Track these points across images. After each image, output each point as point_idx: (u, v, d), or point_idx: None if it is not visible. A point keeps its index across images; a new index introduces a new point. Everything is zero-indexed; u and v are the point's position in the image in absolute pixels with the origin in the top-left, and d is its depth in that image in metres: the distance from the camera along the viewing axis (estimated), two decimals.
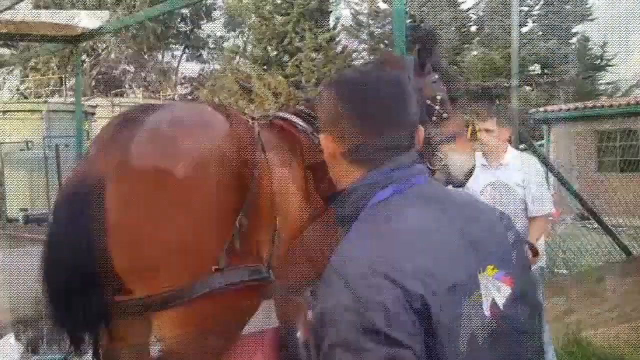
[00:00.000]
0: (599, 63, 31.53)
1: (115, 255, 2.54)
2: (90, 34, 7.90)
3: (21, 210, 16.24)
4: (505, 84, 30.38)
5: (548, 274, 7.29)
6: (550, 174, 7.77)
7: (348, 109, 1.64)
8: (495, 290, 1.48)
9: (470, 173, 3.75)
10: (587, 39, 32.00)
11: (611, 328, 6.36)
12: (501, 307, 1.49)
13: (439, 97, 3.57)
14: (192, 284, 2.65)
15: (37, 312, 7.02)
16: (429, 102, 3.56)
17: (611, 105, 19.96)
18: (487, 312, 1.47)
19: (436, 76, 3.62)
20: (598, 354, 5.83)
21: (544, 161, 6.45)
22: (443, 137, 3.60)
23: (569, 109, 20.57)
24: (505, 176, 4.64)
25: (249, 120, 3.15)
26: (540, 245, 4.70)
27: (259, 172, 2.86)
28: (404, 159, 1.62)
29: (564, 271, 7.35)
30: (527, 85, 31.76)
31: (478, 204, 1.73)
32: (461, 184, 3.77)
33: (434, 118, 3.56)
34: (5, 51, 10.24)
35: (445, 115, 3.58)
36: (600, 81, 31.87)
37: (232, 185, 2.76)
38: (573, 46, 32.10)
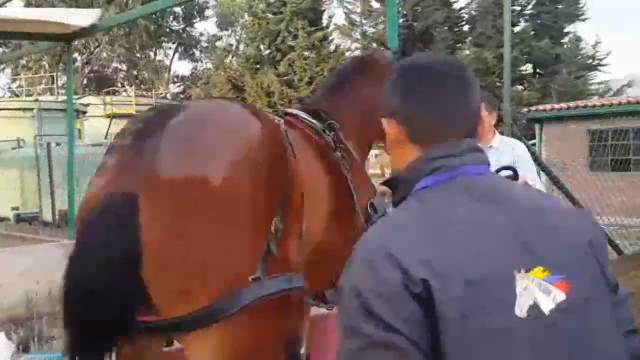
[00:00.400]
0: (590, 63, 31.64)
1: (152, 273, 2.35)
2: (82, 32, 7.87)
3: (12, 209, 16.18)
4: (498, 83, 30.52)
5: None
6: (542, 173, 7.80)
7: (413, 93, 1.64)
8: (541, 292, 1.40)
9: None
10: (579, 39, 32.14)
11: None
12: (545, 311, 1.40)
13: None
14: (231, 297, 2.46)
15: (28, 311, 7.02)
16: None
17: (602, 105, 20.04)
18: (520, 314, 1.39)
19: None
20: None
21: (536, 160, 6.46)
22: None
23: (560, 108, 20.64)
24: (495, 159, 4.69)
25: (275, 118, 3.02)
26: None
27: (291, 174, 2.75)
28: (458, 145, 1.60)
29: None
30: (519, 84, 31.87)
31: (553, 207, 1.62)
32: None
33: None
34: None
35: None
36: (592, 81, 31.99)
37: (268, 189, 2.61)
38: (565, 46, 32.18)
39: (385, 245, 1.42)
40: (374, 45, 33.61)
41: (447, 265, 1.37)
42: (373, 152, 4.38)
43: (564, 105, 21.02)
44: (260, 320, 2.54)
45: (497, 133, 4.96)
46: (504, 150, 4.81)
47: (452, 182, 1.55)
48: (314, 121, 3.33)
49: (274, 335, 2.78)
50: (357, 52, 36.44)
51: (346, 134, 3.43)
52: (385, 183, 1.81)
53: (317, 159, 3.15)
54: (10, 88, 46.01)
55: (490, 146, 4.81)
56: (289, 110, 3.44)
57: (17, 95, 37.09)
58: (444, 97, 1.62)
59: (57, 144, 14.79)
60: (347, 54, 34.51)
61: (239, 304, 2.46)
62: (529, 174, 4.79)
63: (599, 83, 32.21)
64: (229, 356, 2.51)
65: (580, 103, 20.92)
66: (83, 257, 2.39)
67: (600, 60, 31.44)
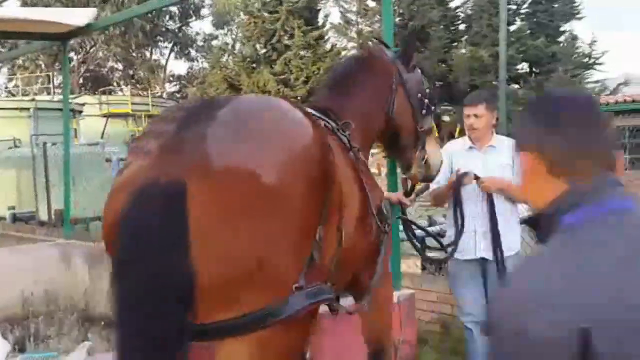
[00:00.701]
0: (587, 61, 31.66)
1: (201, 271, 2.16)
2: (77, 32, 7.87)
3: (9, 208, 16.16)
4: (494, 82, 30.53)
5: None
6: None
7: (556, 126, 1.62)
8: None
9: (440, 168, 3.98)
10: (575, 37, 32.16)
11: None
12: None
13: (427, 91, 3.70)
14: (281, 303, 2.32)
15: (24, 311, 7.02)
16: (419, 95, 3.63)
17: (600, 104, 20.11)
18: None
19: (419, 71, 3.75)
20: None
21: None
22: (426, 131, 3.75)
23: None
24: (494, 157, 4.83)
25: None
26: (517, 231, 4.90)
27: (335, 176, 2.61)
28: (603, 179, 1.57)
29: None
30: (515, 83, 31.88)
31: None
32: (432, 179, 4.01)
33: (424, 111, 3.64)
34: None
35: (432, 109, 3.71)
36: (588, 79, 31.99)
37: (318, 192, 2.45)
38: (561, 44, 32.19)
39: (538, 289, 1.40)
40: (370, 44, 33.60)
41: (607, 310, 1.33)
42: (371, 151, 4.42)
43: None
44: (292, 330, 2.42)
45: (494, 133, 4.98)
46: (502, 149, 4.85)
47: (603, 218, 1.51)
48: (329, 121, 3.25)
49: (301, 345, 2.66)
50: (354, 51, 36.47)
51: (352, 134, 3.36)
52: (528, 221, 1.77)
53: (345, 162, 3.04)
54: (6, 88, 45.97)
55: (490, 145, 4.87)
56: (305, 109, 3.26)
57: (13, 95, 37.05)
58: (587, 130, 1.60)
59: (54, 144, 14.77)
60: (343, 53, 34.49)
61: (287, 311, 2.34)
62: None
63: (595, 82, 32.21)
64: None
65: None
66: (130, 244, 2.20)
67: (597, 59, 31.46)
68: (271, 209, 2.27)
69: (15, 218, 15.37)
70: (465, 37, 32.37)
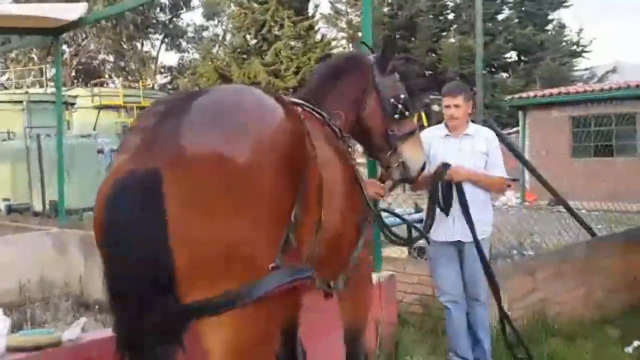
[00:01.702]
0: (574, 49, 31.91)
1: (179, 253, 2.29)
2: (69, 26, 8.01)
3: (3, 200, 16.29)
4: (483, 71, 30.76)
5: (517, 255, 7.59)
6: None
7: None
8: None
9: (423, 169, 4.04)
10: (563, 26, 32.39)
11: (577, 307, 6.65)
12: None
13: (402, 97, 3.76)
14: (256, 283, 2.44)
15: (21, 297, 7.23)
16: (393, 100, 3.74)
17: (585, 91, 20.27)
18: None
19: (397, 76, 3.82)
20: (562, 329, 6.12)
21: (510, 147, 6.71)
22: (401, 134, 3.81)
23: (543, 95, 20.86)
24: (470, 145, 5.09)
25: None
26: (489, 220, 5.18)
27: (310, 161, 2.74)
28: None
29: (532, 253, 7.63)
30: (503, 72, 32.14)
31: None
32: (413, 180, 4.05)
33: (397, 116, 3.75)
34: None
35: (407, 113, 3.78)
36: (577, 67, 32.24)
37: (291, 176, 2.56)
38: (549, 33, 32.41)
39: None
40: (360, 34, 33.71)
41: None
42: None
43: (546, 92, 21.24)
44: (270, 308, 2.53)
45: (469, 122, 5.22)
46: (478, 138, 5.12)
47: None
48: (320, 111, 3.44)
49: (278, 323, 2.78)
50: (344, 42, 36.58)
51: (341, 125, 3.56)
52: None
53: (330, 149, 3.17)
54: None
55: (466, 134, 5.11)
56: (293, 99, 3.38)
57: (6, 88, 36.98)
58: None
59: (47, 136, 14.88)
60: (333, 43, 34.62)
61: (262, 290, 2.44)
62: (496, 157, 5.12)
63: (584, 69, 32.49)
64: (241, 342, 2.50)
65: (563, 90, 21.12)
66: (115, 237, 2.34)
67: (584, 47, 31.73)
68: (242, 194, 2.39)
69: (10, 209, 15.50)
70: (454, 26, 32.57)
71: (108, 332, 3.48)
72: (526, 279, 6.13)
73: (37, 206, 14.98)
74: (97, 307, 6.62)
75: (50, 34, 7.98)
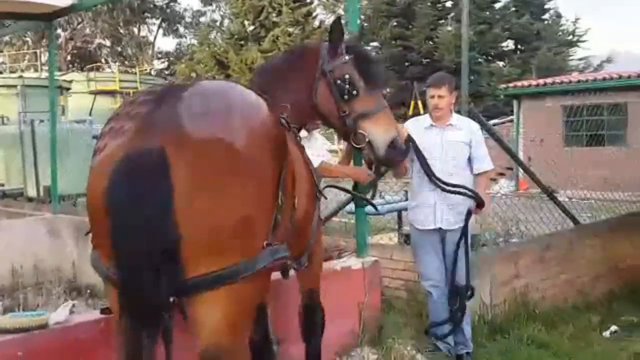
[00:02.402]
0: (570, 39, 31.94)
1: (185, 228, 2.44)
2: (62, 12, 8.05)
3: None
4: (479, 59, 30.78)
5: (502, 243, 7.70)
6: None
7: None
8: None
9: (393, 145, 3.94)
10: (559, 15, 32.42)
11: (559, 293, 6.78)
12: None
13: (347, 77, 3.79)
14: (256, 258, 2.65)
15: (14, 282, 7.32)
16: (339, 82, 3.79)
17: (578, 81, 20.34)
18: None
19: (346, 57, 3.84)
20: (543, 314, 6.25)
21: (494, 138, 6.80)
22: (357, 114, 3.85)
23: (537, 85, 20.93)
24: (453, 135, 5.20)
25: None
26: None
27: (288, 150, 2.97)
28: None
29: (517, 240, 7.72)
30: (499, 60, 32.18)
31: None
32: (385, 159, 4.03)
33: (345, 96, 3.80)
34: None
35: (354, 93, 3.80)
36: (573, 57, 32.31)
37: (278, 160, 2.79)
38: (546, 22, 32.42)
39: None
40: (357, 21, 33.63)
41: None
42: None
43: (540, 81, 21.31)
44: (258, 283, 2.74)
45: (453, 112, 5.33)
46: (461, 128, 5.23)
47: None
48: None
49: (260, 297, 3.01)
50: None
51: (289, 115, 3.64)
52: None
53: (291, 139, 3.37)
54: None
55: (450, 124, 5.21)
56: None
57: (0, 72, 36.92)
58: None
59: (41, 121, 14.87)
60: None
61: (260, 265, 2.66)
62: (480, 150, 5.25)
63: (579, 59, 32.56)
64: (232, 315, 2.64)
65: (557, 79, 21.21)
66: (122, 216, 2.43)
67: (580, 36, 31.76)
68: (244, 174, 2.58)
69: (4, 195, 15.53)
70: (452, 14, 32.53)
71: (95, 315, 3.63)
72: (509, 265, 6.25)
73: (31, 191, 15.00)
74: (88, 291, 6.73)
75: (43, 19, 7.99)
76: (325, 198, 3.82)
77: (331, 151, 4.79)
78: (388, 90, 31.45)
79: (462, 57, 6.52)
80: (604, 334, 6.14)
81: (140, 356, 2.63)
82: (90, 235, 2.84)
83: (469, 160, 5.21)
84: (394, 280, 6.41)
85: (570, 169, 14.07)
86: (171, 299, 2.55)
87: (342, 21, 3.96)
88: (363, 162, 4.62)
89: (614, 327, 6.24)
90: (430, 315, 5.33)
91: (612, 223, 8.16)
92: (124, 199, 2.43)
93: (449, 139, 5.14)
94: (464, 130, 5.21)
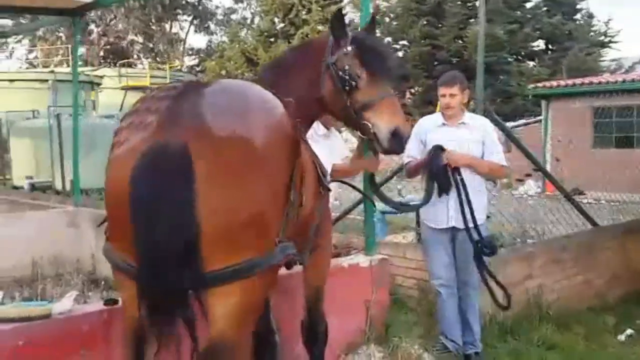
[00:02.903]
0: (602, 39, 31.49)
1: (206, 221, 2.51)
2: (87, 7, 8.14)
3: (26, 178, 16.59)
4: (509, 59, 30.51)
5: (517, 241, 7.63)
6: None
7: None
8: None
9: (395, 134, 3.75)
10: (591, 15, 31.98)
11: (574, 295, 6.70)
12: None
13: (346, 68, 3.72)
14: (272, 253, 2.76)
15: (34, 273, 7.44)
16: (340, 73, 3.73)
17: (608, 82, 20.05)
18: None
19: (349, 48, 3.75)
20: (557, 316, 6.18)
21: (510, 137, 6.74)
22: (360, 105, 3.74)
23: (566, 85, 20.67)
24: (466, 133, 5.17)
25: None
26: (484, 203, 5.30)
27: (301, 148, 3.06)
28: None
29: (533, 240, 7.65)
30: (530, 60, 31.85)
31: None
32: (388, 150, 3.85)
33: (347, 87, 3.72)
34: (7, 22, 10.36)
35: (354, 83, 3.71)
36: (604, 58, 31.85)
37: (291, 159, 2.88)
38: (577, 22, 32.01)
39: None
40: (387, 20, 33.57)
41: None
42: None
43: (569, 82, 21.05)
44: (268, 278, 2.84)
45: (466, 111, 5.31)
46: (474, 126, 5.20)
47: None
48: None
49: (267, 293, 3.10)
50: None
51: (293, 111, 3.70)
52: None
53: (303, 140, 3.46)
54: (27, 59, 46.48)
55: (462, 122, 5.19)
56: None
57: (34, 66, 37.46)
58: None
59: (70, 115, 15.08)
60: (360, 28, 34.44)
61: (273, 261, 2.77)
62: (493, 145, 5.18)
63: (611, 60, 32.11)
64: (242, 309, 2.73)
65: (586, 80, 20.93)
66: (144, 209, 2.50)
67: (612, 37, 31.30)
68: (262, 171, 2.67)
69: (33, 187, 15.79)
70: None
71: (98, 306, 3.69)
72: (522, 265, 6.19)
73: (59, 184, 15.23)
74: (102, 283, 6.81)
75: (69, 14, 8.09)
76: (329, 190, 3.80)
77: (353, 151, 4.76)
78: (416, 88, 31.42)
79: (477, 57, 6.45)
80: (618, 337, 6.05)
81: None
82: (105, 226, 2.93)
83: (483, 158, 5.15)
84: (406, 279, 6.40)
85: (598, 171, 13.94)
86: (189, 292, 2.64)
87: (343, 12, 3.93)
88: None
89: (629, 331, 6.15)
90: (439, 314, 5.31)
91: (631, 225, 8.04)
92: (147, 192, 2.50)
93: (461, 138, 5.11)
94: (477, 129, 5.17)
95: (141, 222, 2.52)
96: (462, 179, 4.96)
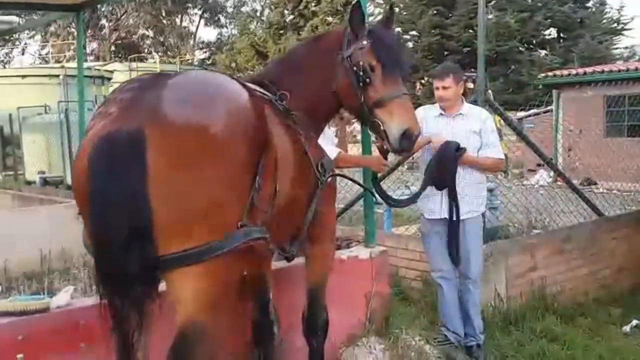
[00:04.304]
0: (615, 27, 31.20)
1: (158, 206, 2.56)
2: (90, 3, 8.17)
3: (38, 173, 16.69)
4: (520, 48, 30.31)
5: (525, 232, 7.61)
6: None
7: None
8: None
9: (406, 135, 3.65)
10: (603, 2, 31.66)
11: (579, 286, 6.67)
12: None
13: (361, 63, 3.63)
14: (231, 235, 2.79)
15: (42, 267, 7.50)
16: (355, 68, 3.64)
17: (619, 70, 19.83)
18: None
19: (364, 42, 3.65)
20: (562, 307, 6.16)
21: (511, 126, 6.69)
22: (373, 102, 3.65)
23: (577, 74, 20.50)
24: (463, 124, 5.14)
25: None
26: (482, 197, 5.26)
27: (269, 137, 3.08)
28: None
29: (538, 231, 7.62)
30: (541, 49, 31.60)
31: None
32: (397, 150, 3.78)
33: (361, 83, 3.63)
34: (14, 19, 10.39)
35: (368, 80, 3.62)
36: (617, 46, 31.57)
37: (256, 148, 2.91)
38: (589, 10, 31.72)
39: None
40: (396, 10, 33.35)
41: None
42: None
43: (581, 70, 20.87)
44: (232, 261, 2.86)
45: (464, 102, 5.29)
46: (471, 117, 5.16)
47: None
48: (265, 92, 3.54)
49: (237, 277, 3.16)
50: (381, 17, 36.15)
51: (295, 102, 3.65)
52: None
53: (282, 127, 3.41)
54: (40, 55, 46.72)
55: (459, 113, 5.18)
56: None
57: (46, 62, 37.62)
58: None
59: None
60: (370, 19, 34.33)
61: (231, 244, 2.79)
62: (492, 137, 5.16)
63: (624, 48, 31.83)
64: (207, 292, 2.78)
65: (597, 68, 20.74)
66: (98, 194, 2.57)
67: (625, 24, 31.00)
68: (218, 157, 2.71)
69: (45, 182, 15.87)
70: (492, 2, 32.01)
71: (96, 300, 3.69)
72: (525, 257, 6.17)
73: (70, 180, 15.29)
74: None
75: (71, 10, 8.11)
76: (323, 183, 3.74)
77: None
78: (426, 78, 31.27)
79: (478, 46, 6.38)
80: (623, 328, 6.02)
81: (127, 339, 2.82)
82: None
83: (480, 150, 5.13)
84: (409, 270, 6.40)
85: (610, 161, 13.84)
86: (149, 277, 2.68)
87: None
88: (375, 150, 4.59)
89: (635, 322, 6.10)
90: (439, 306, 5.31)
91: (637, 215, 7.98)
92: (101, 177, 2.57)
93: (458, 128, 5.10)
94: (474, 119, 5.15)
95: (95, 207, 2.59)
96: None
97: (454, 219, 4.97)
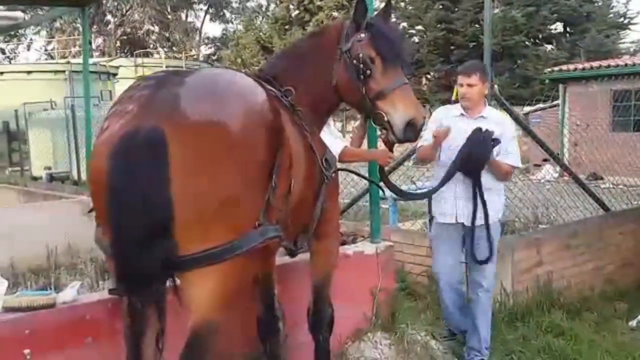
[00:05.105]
0: (621, 21, 31.03)
1: (179, 205, 2.56)
2: None
3: (45, 168, 16.74)
4: (526, 42, 30.18)
5: (531, 227, 7.59)
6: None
7: None
8: None
9: (411, 125, 3.65)
10: None
11: (586, 281, 6.66)
12: None
13: (360, 55, 3.62)
14: (247, 237, 2.79)
15: (49, 262, 7.52)
16: (354, 61, 3.64)
17: (626, 65, 19.76)
18: None
19: (362, 35, 3.64)
20: (568, 302, 6.15)
21: (517, 120, 6.65)
22: (374, 94, 3.64)
23: (584, 68, 20.43)
24: (483, 127, 4.83)
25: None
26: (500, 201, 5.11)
27: (285, 135, 3.07)
28: None
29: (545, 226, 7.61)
30: (547, 43, 31.45)
31: None
32: (402, 140, 3.77)
33: (361, 76, 3.63)
34: (19, 14, 10.41)
35: (368, 72, 3.62)
36: (624, 40, 31.42)
37: (272, 144, 2.91)
38: (595, 4, 31.54)
39: None
40: (402, 4, 33.29)
41: None
42: None
43: (587, 65, 20.78)
44: (248, 261, 2.88)
45: (487, 104, 5.09)
46: (492, 121, 4.92)
47: None
48: (272, 89, 3.52)
49: (251, 275, 3.21)
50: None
51: (298, 98, 3.65)
52: None
53: (292, 123, 3.40)
54: (46, 50, 46.76)
55: (481, 115, 4.97)
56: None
57: (52, 58, 37.64)
58: None
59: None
60: (375, 13, 34.20)
61: (248, 245, 2.79)
62: (510, 143, 4.93)
63: (631, 42, 31.69)
64: (223, 291, 2.80)
65: (604, 63, 20.66)
66: (117, 192, 2.56)
67: (632, 18, 30.81)
68: (238, 156, 2.71)
69: (52, 178, 15.92)
70: None
71: (102, 295, 3.72)
72: (531, 252, 6.15)
73: (76, 175, 15.33)
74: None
75: (76, 5, 8.10)
76: (328, 179, 3.73)
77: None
78: (432, 73, 31.20)
79: (484, 40, 6.34)
80: (630, 323, 6.01)
81: (138, 339, 2.84)
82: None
83: (497, 156, 4.87)
84: (415, 265, 6.40)
85: (616, 155, 13.79)
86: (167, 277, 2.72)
87: None
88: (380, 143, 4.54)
89: None
90: (443, 308, 5.28)
91: None
92: (122, 176, 2.55)
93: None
94: (495, 124, 4.87)
95: (115, 206, 2.57)
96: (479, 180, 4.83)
97: (479, 204, 4.81)
